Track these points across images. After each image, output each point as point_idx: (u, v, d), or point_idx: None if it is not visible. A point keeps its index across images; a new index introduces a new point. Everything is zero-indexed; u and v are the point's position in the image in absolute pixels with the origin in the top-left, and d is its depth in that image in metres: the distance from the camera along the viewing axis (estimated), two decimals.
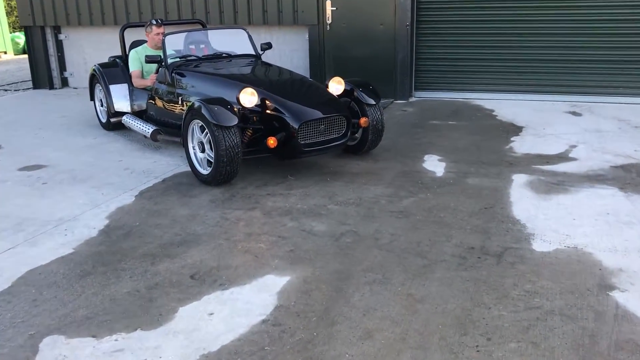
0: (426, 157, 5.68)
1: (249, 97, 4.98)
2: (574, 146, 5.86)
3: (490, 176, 5.05)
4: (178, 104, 5.81)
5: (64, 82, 10.66)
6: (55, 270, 3.58)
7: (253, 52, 6.44)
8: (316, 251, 3.72)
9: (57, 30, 10.45)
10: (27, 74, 11.20)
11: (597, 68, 7.85)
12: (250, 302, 3.14)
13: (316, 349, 2.72)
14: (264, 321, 2.96)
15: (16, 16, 18.07)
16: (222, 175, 4.86)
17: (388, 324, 2.90)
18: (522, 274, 3.37)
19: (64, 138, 6.85)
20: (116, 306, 3.16)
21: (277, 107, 5.03)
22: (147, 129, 6.05)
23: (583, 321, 2.88)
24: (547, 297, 3.10)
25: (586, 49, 7.82)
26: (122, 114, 6.71)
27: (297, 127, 4.87)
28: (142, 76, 6.60)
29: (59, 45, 10.51)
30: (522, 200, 4.49)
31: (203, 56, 6.29)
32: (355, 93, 5.56)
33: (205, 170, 5.07)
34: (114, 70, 6.96)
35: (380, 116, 5.59)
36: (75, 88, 10.49)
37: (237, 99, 4.98)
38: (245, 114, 5.11)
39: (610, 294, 3.12)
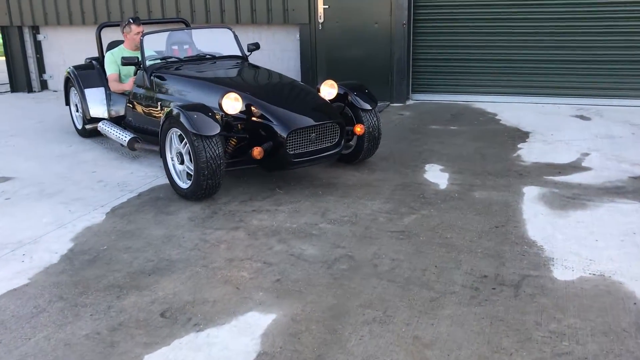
0: (427, 166, 5.22)
1: (232, 103, 4.51)
2: (587, 154, 5.41)
3: (498, 189, 4.59)
4: (157, 109, 5.33)
5: (43, 85, 10.15)
6: (4, 306, 3.09)
7: (239, 54, 5.97)
8: (307, 281, 3.25)
9: (35, 30, 9.94)
10: (5, 76, 10.66)
11: (605, 69, 7.40)
12: (228, 349, 2.67)
13: None
14: None
15: None
16: (202, 189, 4.39)
17: None
18: (544, 309, 2.91)
19: (36, 146, 6.35)
20: (71, 353, 2.68)
21: (263, 113, 4.55)
22: (124, 136, 5.56)
23: None
24: (577, 340, 2.65)
25: (593, 49, 7.38)
26: (99, 119, 6.22)
27: (285, 136, 4.40)
28: (120, 80, 6.11)
29: (38, 46, 10.00)
30: (537, 217, 4.03)
31: (185, 58, 5.80)
32: (349, 97, 5.09)
33: (184, 184, 4.59)
34: (89, 73, 6.46)
35: (376, 122, 5.13)
36: (55, 91, 9.97)
37: (220, 105, 4.50)
38: (228, 122, 4.63)
39: None
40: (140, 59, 5.52)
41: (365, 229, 3.92)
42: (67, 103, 6.92)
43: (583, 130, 6.30)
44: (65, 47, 9.82)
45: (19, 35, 9.85)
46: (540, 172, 4.95)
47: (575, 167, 5.06)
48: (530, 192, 4.49)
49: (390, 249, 3.62)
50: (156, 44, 5.91)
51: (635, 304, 2.93)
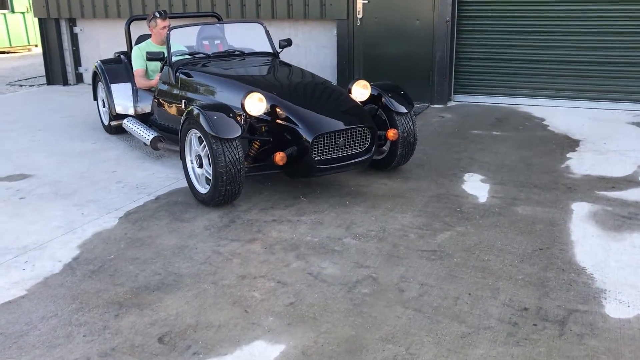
0: (466, 176, 4.82)
1: (255, 104, 4.20)
2: None
3: (544, 204, 4.16)
4: (182, 107, 5.07)
5: (79, 78, 10.07)
6: None
7: (270, 50, 5.66)
8: (323, 306, 2.92)
9: (72, 23, 9.85)
10: (43, 69, 10.62)
11: None
12: None
13: None
14: None
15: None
16: (221, 195, 4.10)
17: None
18: (595, 353, 2.51)
19: (61, 142, 6.19)
20: None
21: (289, 115, 4.23)
22: (147, 135, 5.33)
23: None
24: None
25: None
26: (125, 116, 6.01)
27: (310, 141, 4.07)
28: (147, 75, 5.88)
29: (74, 39, 9.91)
30: (587, 239, 3.60)
31: (213, 54, 5.53)
32: (383, 99, 4.72)
33: (203, 189, 4.31)
34: (117, 68, 6.26)
35: (412, 127, 4.75)
36: (90, 85, 9.84)
37: (242, 106, 4.20)
38: (252, 124, 4.33)
39: None
40: (165, 54, 5.27)
41: (393, 246, 3.56)
42: (95, 98, 6.75)
43: None
44: (101, 41, 9.71)
45: (56, 28, 9.79)
46: (592, 186, 4.49)
47: (631, 181, 4.59)
48: (580, 210, 4.05)
49: (420, 271, 3.25)
50: (184, 38, 5.66)
51: None
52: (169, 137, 5.31)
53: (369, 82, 4.75)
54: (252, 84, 4.65)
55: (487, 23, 7.44)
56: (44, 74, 10.20)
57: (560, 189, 4.46)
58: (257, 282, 3.17)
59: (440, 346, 2.58)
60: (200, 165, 4.30)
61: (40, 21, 9.86)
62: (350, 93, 4.65)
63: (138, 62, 5.85)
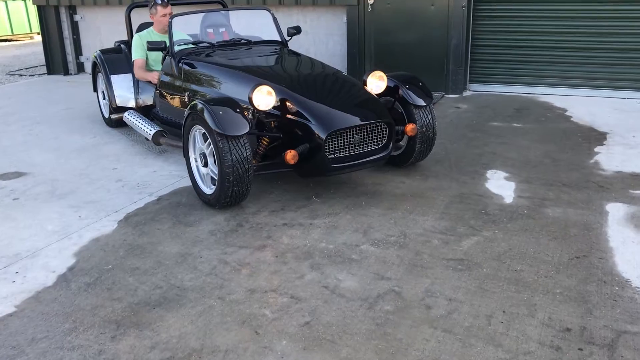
0: (489, 173, 4.51)
1: (264, 98, 3.89)
2: None
3: (576, 205, 3.85)
4: (185, 100, 4.77)
5: (80, 68, 9.76)
6: None
7: (278, 38, 5.34)
8: (342, 326, 2.63)
9: (72, 10, 9.53)
10: (43, 58, 10.32)
11: None
12: None
13: None
14: None
15: None
16: (227, 196, 3.80)
17: None
18: None
19: (59, 136, 5.90)
20: None
21: (300, 110, 3.92)
22: (149, 129, 5.03)
23: None
24: None
25: None
26: (126, 109, 5.71)
27: (324, 137, 3.77)
28: (148, 66, 5.56)
29: (75, 27, 9.60)
30: (626, 245, 3.30)
31: (217, 43, 5.21)
32: (400, 91, 4.41)
33: (209, 189, 4.02)
34: (117, 58, 5.96)
35: (431, 120, 4.44)
36: (91, 74, 9.54)
37: (250, 100, 3.89)
38: (260, 119, 4.03)
39: None
40: (166, 44, 4.96)
41: (415, 254, 3.26)
42: (95, 90, 6.46)
43: None
44: (102, 29, 9.39)
45: (56, 16, 9.47)
46: (625, 185, 4.18)
47: None
48: (616, 211, 3.74)
49: (447, 283, 2.96)
50: (188, 26, 5.35)
51: None
52: (171, 131, 5.02)
53: (385, 73, 4.43)
54: (260, 75, 4.34)
55: (504, 8, 7.08)
56: (44, 63, 9.90)
57: (592, 187, 4.15)
58: (268, 297, 2.89)
59: None
60: (205, 164, 4.00)
61: (40, 9, 9.55)
62: (365, 85, 4.33)
63: (138, 51, 5.53)
